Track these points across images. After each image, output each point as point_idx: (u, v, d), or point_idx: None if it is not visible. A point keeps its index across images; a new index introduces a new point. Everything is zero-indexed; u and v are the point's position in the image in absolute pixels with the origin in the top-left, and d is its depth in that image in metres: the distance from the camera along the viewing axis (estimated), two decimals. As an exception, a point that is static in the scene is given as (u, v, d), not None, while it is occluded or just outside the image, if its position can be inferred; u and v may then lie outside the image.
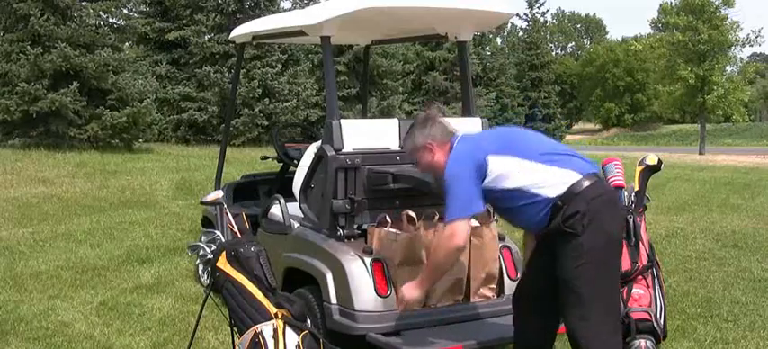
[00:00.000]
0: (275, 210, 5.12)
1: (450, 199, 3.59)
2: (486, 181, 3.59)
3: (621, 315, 4.19)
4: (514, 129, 4.03)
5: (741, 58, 39.86)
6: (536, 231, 3.76)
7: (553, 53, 75.92)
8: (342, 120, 4.51)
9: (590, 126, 73.05)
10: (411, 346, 4.05)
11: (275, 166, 6.65)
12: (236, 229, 4.25)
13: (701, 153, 32.29)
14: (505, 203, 3.70)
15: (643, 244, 4.83)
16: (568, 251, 3.52)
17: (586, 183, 3.55)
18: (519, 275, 4.53)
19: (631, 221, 4.73)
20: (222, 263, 3.84)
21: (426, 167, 3.86)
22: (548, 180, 3.56)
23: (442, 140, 3.76)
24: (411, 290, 3.82)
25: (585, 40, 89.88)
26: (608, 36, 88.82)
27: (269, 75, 19.40)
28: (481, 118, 5.09)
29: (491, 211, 4.71)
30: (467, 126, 4.95)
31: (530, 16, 43.64)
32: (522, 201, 3.60)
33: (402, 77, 26.52)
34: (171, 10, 21.64)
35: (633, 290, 4.56)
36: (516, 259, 4.71)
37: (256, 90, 19.07)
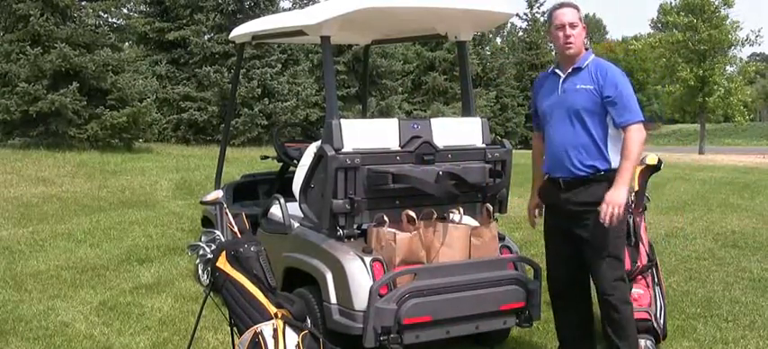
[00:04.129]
0: (275, 210, 5.12)
1: (631, 100, 3.98)
2: None
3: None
4: None
5: (741, 58, 39.79)
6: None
7: (553, 53, 75.78)
8: (341, 120, 4.50)
9: (590, 126, 73.06)
10: None
11: (275, 166, 6.65)
12: (236, 229, 4.25)
13: (701, 153, 32.28)
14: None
15: (643, 244, 4.83)
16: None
17: None
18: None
19: (631, 221, 4.73)
20: (222, 263, 3.84)
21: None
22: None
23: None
24: (617, 194, 3.87)
25: (585, 40, 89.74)
26: (608, 36, 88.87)
27: (269, 75, 19.39)
28: (481, 118, 5.08)
29: (491, 211, 4.72)
30: (467, 126, 4.95)
31: (529, 16, 43.48)
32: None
33: (402, 77, 26.51)
34: (171, 10, 21.61)
35: (633, 290, 4.56)
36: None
37: (256, 90, 19.06)
